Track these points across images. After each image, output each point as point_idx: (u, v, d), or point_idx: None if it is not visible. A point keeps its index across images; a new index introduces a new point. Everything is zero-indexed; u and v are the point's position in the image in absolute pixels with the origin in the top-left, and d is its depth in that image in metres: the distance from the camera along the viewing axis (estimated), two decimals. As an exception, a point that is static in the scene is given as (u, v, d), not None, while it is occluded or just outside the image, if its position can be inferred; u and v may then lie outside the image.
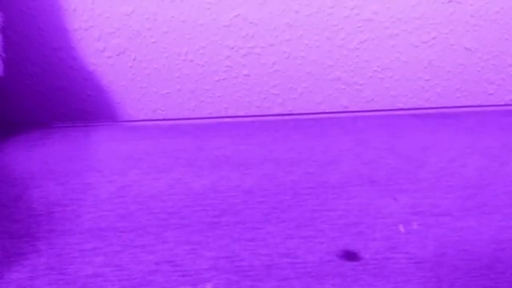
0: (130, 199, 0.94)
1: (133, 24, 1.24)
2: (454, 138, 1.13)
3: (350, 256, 0.74)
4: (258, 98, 1.33)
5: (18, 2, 1.22)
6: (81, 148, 1.19)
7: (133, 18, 1.23)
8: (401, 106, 1.33)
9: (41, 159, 1.13)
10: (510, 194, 0.90)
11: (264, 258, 0.73)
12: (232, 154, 1.10)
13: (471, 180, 0.95)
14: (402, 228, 0.80)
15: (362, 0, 1.24)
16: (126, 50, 1.27)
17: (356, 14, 1.24)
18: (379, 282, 0.68)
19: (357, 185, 0.95)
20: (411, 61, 1.28)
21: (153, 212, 0.89)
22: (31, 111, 1.34)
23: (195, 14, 1.24)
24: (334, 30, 1.24)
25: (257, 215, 0.86)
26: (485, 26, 1.26)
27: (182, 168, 1.06)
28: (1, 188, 1.00)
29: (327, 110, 1.34)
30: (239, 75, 1.29)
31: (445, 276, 0.69)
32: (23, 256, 0.77)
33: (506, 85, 1.33)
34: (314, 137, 1.16)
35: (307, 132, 1.20)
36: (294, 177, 0.99)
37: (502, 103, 1.34)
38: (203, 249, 0.77)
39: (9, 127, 1.26)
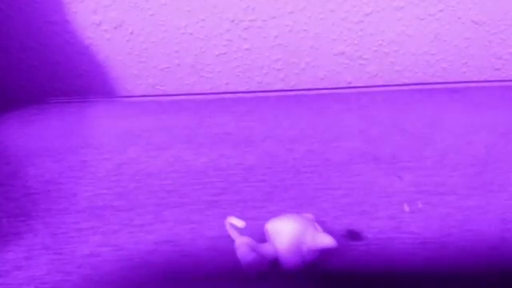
0: (128, 177, 0.92)
1: (129, -4, 1.19)
2: (460, 114, 1.10)
3: (353, 235, 0.72)
4: (259, 73, 1.29)
5: (10, -28, 1.18)
6: (77, 124, 1.16)
7: (129, -11, 1.19)
8: (406, 81, 1.30)
9: (36, 136, 1.10)
10: (517, 172, 0.88)
11: (265, 238, 0.72)
12: (233, 131, 1.08)
13: (478, 157, 0.92)
14: (406, 207, 0.78)
15: (368, -30, 1.19)
16: (123, 24, 1.23)
17: (361, -15, 1.20)
18: (383, 263, 0.66)
19: (360, 162, 0.93)
20: (417, 34, 1.24)
21: (151, 190, 0.87)
22: (26, 87, 1.31)
23: (194, -15, 1.19)
24: (338, 1, 1.19)
25: (258, 194, 0.84)
26: (493, -2, 1.21)
27: (182, 145, 1.03)
28: (-4, 165, 0.98)
29: (330, 86, 1.31)
30: (240, 49, 1.25)
31: (450, 256, 0.67)
32: (19, 235, 0.75)
33: (514, 59, 1.29)
34: (316, 113, 1.13)
35: (310, 108, 1.17)
36: (296, 154, 0.97)
37: (509, 78, 1.31)
38: (203, 228, 0.75)
39: (3, 103, 1.23)
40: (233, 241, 0.71)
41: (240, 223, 0.64)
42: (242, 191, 0.85)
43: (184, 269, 0.66)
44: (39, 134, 1.11)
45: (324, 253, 0.65)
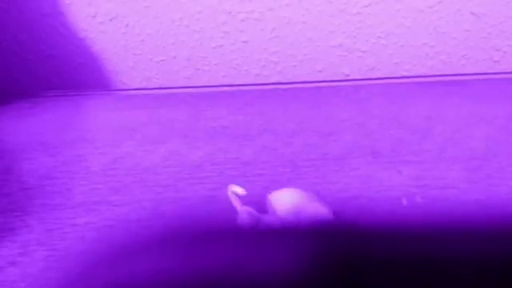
0: (124, 172, 0.90)
1: (124, -13, 1.18)
2: (459, 106, 1.09)
3: (351, 230, 0.72)
4: (256, 66, 1.28)
5: (3, -37, 1.16)
6: (72, 118, 1.15)
7: (124, -20, 1.17)
8: (404, 73, 1.29)
9: (30, 130, 1.09)
10: (517, 165, 0.87)
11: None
12: (229, 125, 1.07)
13: (477, 151, 0.92)
14: (405, 201, 0.78)
15: (366, -39, 1.17)
16: (118, 16, 1.21)
17: (359, -24, 1.18)
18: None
19: (358, 156, 0.92)
20: (416, 26, 1.23)
21: (147, 185, 0.86)
22: (20, 80, 1.29)
23: (190, -24, 1.18)
24: (336, -7, 1.18)
25: (255, 188, 0.83)
26: (493, -11, 1.20)
27: (178, 139, 1.02)
28: (-10, 160, 0.97)
29: (328, 79, 1.30)
30: (237, 42, 1.24)
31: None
32: (13, 231, 0.74)
33: (514, 51, 1.28)
34: (314, 106, 1.12)
35: (307, 101, 1.16)
36: (294, 148, 0.96)
37: (508, 70, 1.30)
38: (200, 224, 0.74)
39: (-3, 97, 1.22)
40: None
41: (241, 191, 0.66)
42: (240, 186, 0.84)
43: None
44: (33, 128, 1.09)
45: (320, 224, 0.67)
